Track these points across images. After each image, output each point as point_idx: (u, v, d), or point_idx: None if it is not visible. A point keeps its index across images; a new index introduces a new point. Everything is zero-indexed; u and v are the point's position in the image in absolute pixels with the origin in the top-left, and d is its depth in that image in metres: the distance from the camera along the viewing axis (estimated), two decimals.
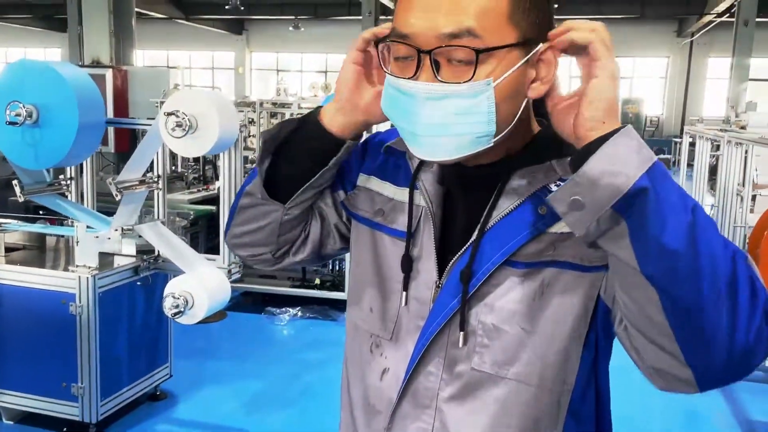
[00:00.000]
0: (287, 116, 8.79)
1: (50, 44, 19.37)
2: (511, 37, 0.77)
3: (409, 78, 0.79)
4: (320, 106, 0.94)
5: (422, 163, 0.92)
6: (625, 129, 0.72)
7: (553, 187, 0.83)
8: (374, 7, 12.45)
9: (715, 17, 13.62)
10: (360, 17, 13.00)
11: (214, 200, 4.95)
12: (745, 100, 10.19)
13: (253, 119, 10.40)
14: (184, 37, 19.02)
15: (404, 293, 0.89)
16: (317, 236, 1.03)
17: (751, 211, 4.36)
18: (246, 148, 9.09)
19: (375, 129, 2.29)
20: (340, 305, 4.72)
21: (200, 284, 2.73)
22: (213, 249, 4.53)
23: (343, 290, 4.66)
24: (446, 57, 0.77)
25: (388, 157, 0.97)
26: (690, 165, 5.97)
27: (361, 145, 1.01)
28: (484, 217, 0.85)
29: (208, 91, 4.04)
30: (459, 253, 0.85)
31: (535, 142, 0.87)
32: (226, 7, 13.65)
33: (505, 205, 0.84)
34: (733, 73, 11.13)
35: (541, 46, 0.80)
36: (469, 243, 0.85)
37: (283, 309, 4.77)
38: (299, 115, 0.96)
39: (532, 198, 0.83)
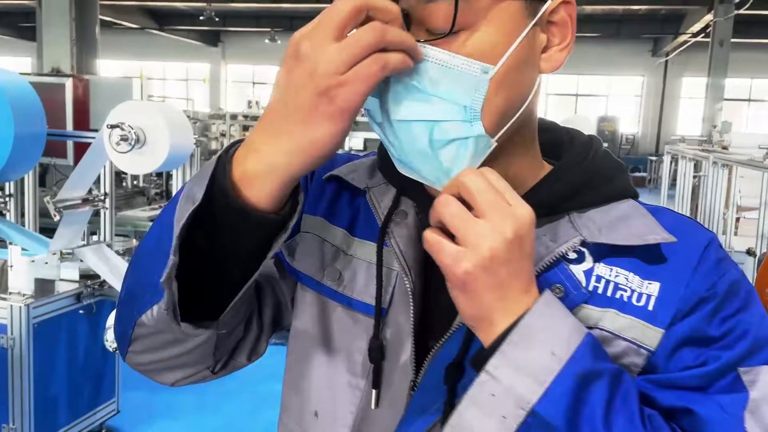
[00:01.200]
0: None
1: (21, 53, 18.90)
2: None
3: None
4: (231, 147, 0.58)
5: (393, 208, 0.67)
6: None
7: (572, 255, 0.61)
8: None
9: (690, 37, 13.71)
10: None
11: None
12: (721, 119, 10.19)
13: (225, 132, 10.19)
14: (159, 47, 18.71)
15: (374, 392, 0.64)
16: (270, 317, 0.74)
17: (735, 233, 4.23)
18: None
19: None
20: None
21: None
22: None
23: None
24: (423, 30, 0.56)
25: (341, 191, 0.72)
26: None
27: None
28: None
29: (158, 102, 3.81)
30: (444, 339, 0.61)
31: (547, 180, 0.64)
32: (201, 18, 13.41)
33: None
34: (709, 93, 11.15)
35: (549, 3, 0.58)
36: (455, 324, 0.60)
37: None
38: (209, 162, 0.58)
39: (545, 271, 0.60)
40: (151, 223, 3.16)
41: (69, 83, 5.72)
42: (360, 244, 0.68)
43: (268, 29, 16.36)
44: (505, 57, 0.56)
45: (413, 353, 0.62)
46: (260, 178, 0.54)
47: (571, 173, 0.64)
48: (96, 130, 4.92)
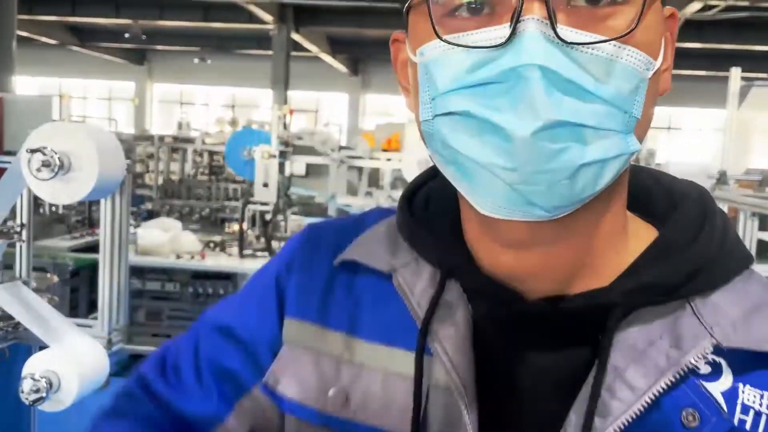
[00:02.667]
0: (189, 152, 8.24)
1: None
2: None
3: (495, 47, 0.41)
4: None
5: (437, 297, 0.49)
6: None
7: (703, 369, 0.45)
8: (285, 42, 12.15)
9: None
10: (270, 52, 12.65)
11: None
12: (646, 147, 10.65)
13: (152, 154, 9.75)
14: (79, 64, 17.93)
15: None
16: None
17: None
18: (142, 186, 8.42)
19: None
20: None
21: (69, 361, 2.21)
22: (95, 303, 3.93)
23: None
24: (564, 1, 0.42)
25: (339, 278, 0.55)
26: None
27: (281, 258, 0.58)
28: (581, 428, 0.44)
29: (87, 123, 3.53)
30: None
31: (660, 254, 0.49)
32: (126, 35, 12.91)
33: (622, 406, 0.44)
34: None
35: (666, 8, 0.47)
36: None
37: None
38: None
39: (670, 389, 0.44)
40: (71, 254, 2.80)
41: None
42: (371, 349, 0.51)
43: (197, 48, 15.97)
44: (660, 57, 0.43)
45: None
46: None
47: (693, 243, 0.48)
48: (11, 153, 4.53)
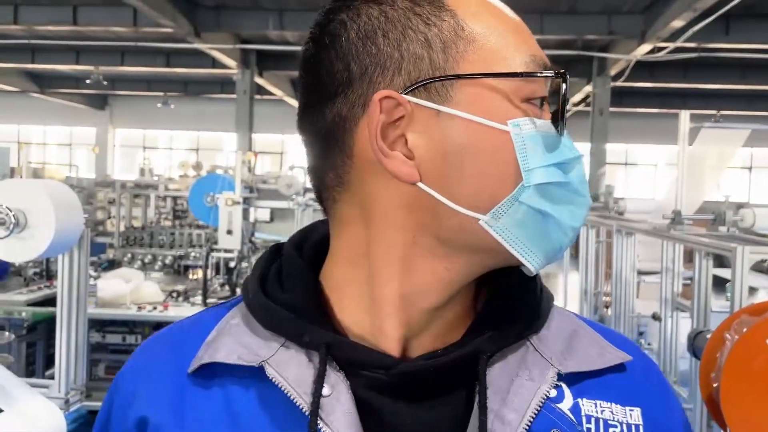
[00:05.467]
0: (152, 198, 8.14)
1: None
2: None
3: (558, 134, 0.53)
4: None
5: (320, 380, 0.50)
6: None
7: (552, 392, 0.53)
8: (249, 86, 12.22)
9: (571, 106, 14.73)
10: (234, 95, 12.69)
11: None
12: (604, 183, 10.86)
13: (113, 200, 9.60)
14: (39, 110, 17.68)
15: None
16: None
17: (637, 296, 4.36)
18: (103, 234, 8.26)
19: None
20: None
21: (24, 427, 2.12)
22: (53, 359, 3.80)
23: None
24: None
25: (204, 388, 0.53)
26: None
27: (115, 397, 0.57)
28: None
29: (44, 180, 3.46)
30: None
31: (499, 299, 0.57)
32: (87, 81, 12.82)
33: None
34: (592, 159, 11.90)
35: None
36: None
37: None
38: None
39: (535, 421, 0.51)
40: (27, 308, 2.70)
41: None
42: None
43: (161, 93, 15.93)
44: None
45: None
46: None
47: (514, 290, 0.57)
48: None
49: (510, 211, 0.50)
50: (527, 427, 0.50)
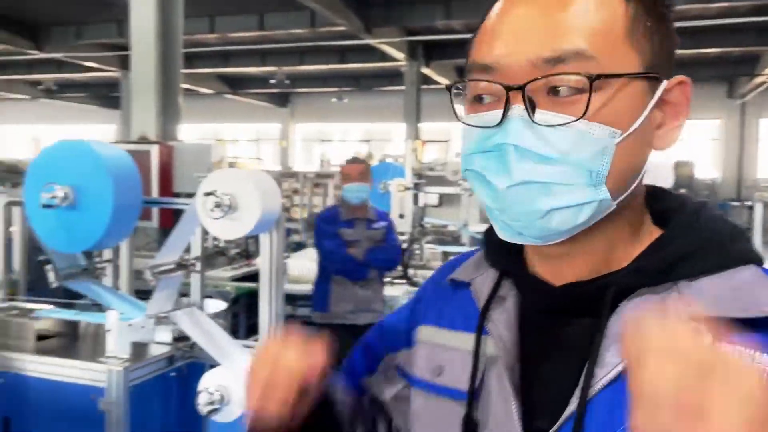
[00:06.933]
0: (330, 187, 8.76)
1: (106, 121, 20.13)
2: (632, 64, 0.57)
3: (492, 127, 0.59)
4: None
5: (492, 298, 0.68)
6: None
7: None
8: (416, 77, 12.55)
9: (766, 78, 13.26)
10: (402, 87, 13.11)
11: (257, 276, 4.78)
12: None
13: (297, 189, 10.44)
14: (232, 111, 19.53)
15: None
16: None
17: None
18: (289, 220, 9.04)
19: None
20: None
21: (238, 378, 2.51)
22: (254, 327, 4.32)
23: None
24: (544, 92, 0.57)
25: (453, 293, 0.75)
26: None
27: (423, 290, 0.82)
28: (584, 375, 0.58)
29: (249, 170, 3.93)
30: (555, 429, 0.59)
31: (655, 248, 0.62)
32: (272, 81, 13.97)
33: (615, 360, 0.57)
34: None
35: (665, 83, 0.59)
36: (567, 415, 0.58)
37: None
38: None
39: None
40: (231, 283, 3.19)
41: (155, 149, 6.01)
42: (460, 337, 0.70)
43: (335, 89, 16.87)
44: (633, 126, 0.57)
45: None
46: None
47: (680, 238, 0.61)
48: (178, 194, 5.13)
49: None
50: None
